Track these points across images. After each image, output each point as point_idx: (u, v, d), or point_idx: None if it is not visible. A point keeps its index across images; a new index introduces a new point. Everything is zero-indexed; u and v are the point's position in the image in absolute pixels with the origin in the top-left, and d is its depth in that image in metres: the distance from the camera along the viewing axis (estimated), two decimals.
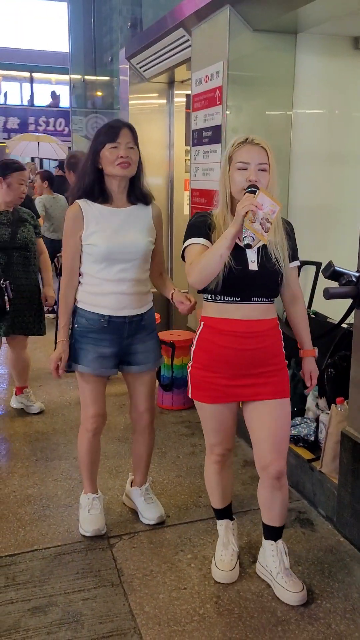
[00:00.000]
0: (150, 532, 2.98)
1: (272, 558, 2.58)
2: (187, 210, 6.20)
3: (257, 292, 2.38)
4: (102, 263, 2.70)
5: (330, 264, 2.51)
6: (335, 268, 2.57)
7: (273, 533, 2.60)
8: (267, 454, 2.46)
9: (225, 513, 2.76)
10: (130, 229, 2.72)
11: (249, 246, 2.18)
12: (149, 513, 3.03)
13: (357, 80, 4.10)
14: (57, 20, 27.60)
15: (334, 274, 2.58)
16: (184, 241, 2.45)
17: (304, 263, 4.21)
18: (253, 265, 2.35)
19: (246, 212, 2.16)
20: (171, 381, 4.50)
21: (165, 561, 2.76)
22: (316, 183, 4.22)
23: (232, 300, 2.38)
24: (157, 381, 4.32)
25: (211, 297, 2.42)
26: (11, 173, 4.01)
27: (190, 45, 4.61)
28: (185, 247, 2.44)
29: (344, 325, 3.54)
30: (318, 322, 3.92)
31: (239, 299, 2.37)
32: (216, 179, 4.22)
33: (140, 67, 5.89)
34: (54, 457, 3.77)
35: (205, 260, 2.29)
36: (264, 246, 2.33)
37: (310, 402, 3.46)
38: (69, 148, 11.56)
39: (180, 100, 6.24)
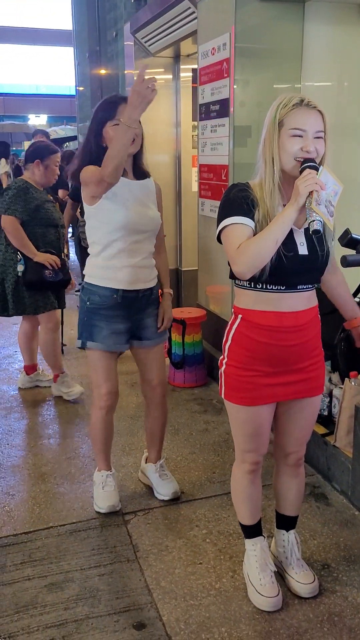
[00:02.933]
0: (165, 508, 2.98)
1: (282, 549, 2.46)
2: (195, 187, 6.15)
3: (304, 278, 2.09)
4: (119, 232, 2.67)
5: (347, 232, 2.37)
6: (352, 235, 2.47)
7: (286, 522, 2.47)
8: (292, 446, 2.36)
9: (257, 530, 2.42)
10: (144, 201, 2.73)
11: (317, 232, 1.91)
12: (164, 489, 3.03)
13: None
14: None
15: (351, 241, 2.47)
16: (221, 219, 2.08)
17: None
18: (303, 249, 2.06)
19: (310, 192, 1.90)
20: (182, 359, 4.48)
21: (181, 537, 2.77)
22: (326, 156, 4.16)
23: (277, 289, 2.08)
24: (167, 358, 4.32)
25: (250, 284, 2.11)
26: (49, 156, 4.11)
27: (196, 18, 4.53)
28: (224, 227, 2.06)
29: (356, 300, 3.51)
30: (328, 299, 3.88)
31: (284, 287, 2.07)
32: (225, 154, 4.19)
33: (146, 42, 5.81)
34: (66, 435, 3.78)
35: (257, 246, 1.96)
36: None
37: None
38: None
39: (186, 75, 6.16)
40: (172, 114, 6.27)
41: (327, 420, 3.31)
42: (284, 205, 2.03)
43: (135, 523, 2.87)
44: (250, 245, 1.98)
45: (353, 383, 3.02)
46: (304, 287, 2.12)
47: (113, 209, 2.65)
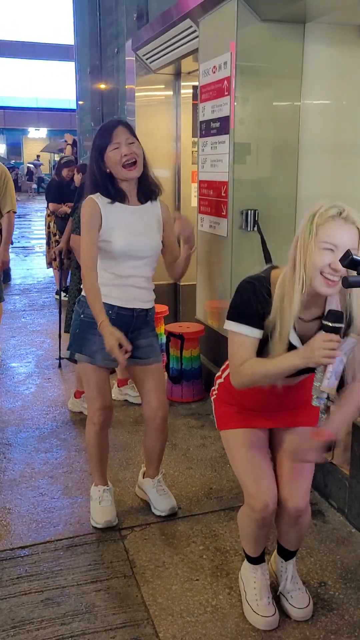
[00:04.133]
0: (162, 524, 2.98)
1: (280, 573, 2.43)
2: (194, 202, 6.18)
3: (303, 370, 2.00)
4: (116, 260, 2.71)
5: (348, 253, 2.38)
6: (354, 257, 2.49)
7: (286, 553, 2.42)
8: (289, 491, 2.21)
9: (261, 558, 2.41)
10: (144, 227, 2.75)
11: (322, 412, 1.91)
12: (161, 504, 3.03)
13: None
14: (59, 13, 27.59)
15: (352, 262, 2.49)
16: (231, 317, 2.05)
17: None
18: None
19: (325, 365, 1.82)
20: (180, 373, 4.49)
21: (178, 552, 2.76)
22: (325, 174, 4.20)
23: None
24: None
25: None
26: None
27: (197, 36, 4.58)
28: (233, 331, 2.05)
29: None
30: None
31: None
32: (224, 171, 4.23)
33: (147, 59, 5.86)
34: (63, 449, 3.77)
35: (259, 376, 1.99)
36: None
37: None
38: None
39: (187, 92, 6.21)
40: (172, 130, 6.31)
41: None
42: (300, 319, 1.97)
43: (132, 538, 2.86)
44: (253, 371, 2.00)
45: None
46: (299, 376, 2.11)
47: (109, 240, 2.68)
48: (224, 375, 2.31)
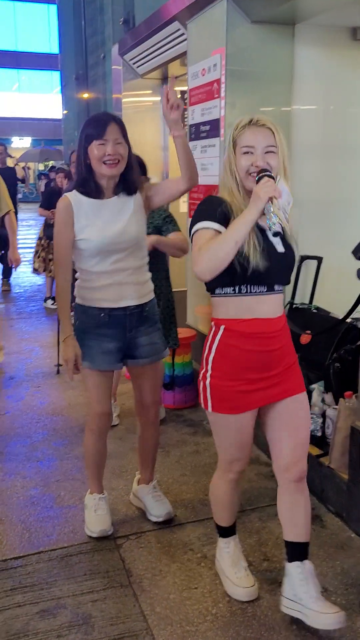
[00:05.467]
0: (158, 532, 2.92)
1: (300, 582, 2.29)
2: (184, 208, 6.15)
3: (280, 277, 2.21)
4: (96, 257, 2.64)
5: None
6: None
7: (299, 551, 2.34)
8: (289, 454, 2.29)
9: (232, 530, 2.55)
10: (119, 218, 2.65)
11: (278, 234, 2.03)
12: (157, 510, 2.97)
13: (356, 72, 4.06)
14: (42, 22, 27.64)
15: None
16: (192, 225, 2.18)
17: (305, 257, 4.18)
18: (280, 248, 2.18)
19: (270, 198, 1.98)
20: (172, 380, 4.44)
21: (174, 561, 2.70)
22: (317, 177, 4.18)
23: (257, 292, 2.16)
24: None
25: (235, 290, 2.17)
26: None
27: (185, 39, 4.56)
28: (194, 232, 2.16)
29: (348, 320, 3.50)
30: (321, 317, 3.88)
31: (265, 288, 2.17)
32: (215, 174, 4.20)
33: (134, 63, 5.85)
34: (55, 458, 3.70)
35: (217, 246, 2.04)
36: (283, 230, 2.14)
37: (315, 397, 3.41)
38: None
39: None
40: (160, 135, 6.30)
41: (321, 441, 3.28)
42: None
43: (127, 547, 2.80)
44: (210, 245, 2.07)
45: (347, 403, 3.00)
46: (279, 287, 2.23)
47: (85, 238, 2.61)
48: (213, 347, 2.24)
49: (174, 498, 3.20)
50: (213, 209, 2.15)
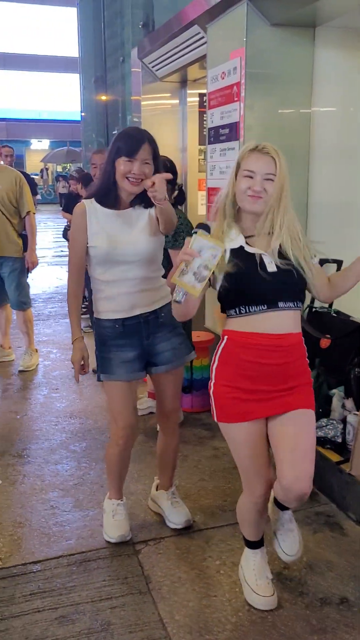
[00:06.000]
0: (177, 538, 2.91)
1: (273, 516, 2.56)
2: (202, 211, 6.14)
3: (281, 295, 2.22)
4: (104, 265, 2.66)
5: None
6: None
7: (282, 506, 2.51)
8: (289, 471, 2.20)
9: (260, 542, 2.54)
10: (131, 230, 2.65)
11: (179, 302, 2.11)
12: (176, 517, 2.96)
13: None
14: (62, 25, 27.77)
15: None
16: None
17: (324, 261, 4.14)
18: (271, 267, 2.22)
19: (180, 262, 2.08)
20: (190, 383, 4.42)
21: (193, 567, 2.69)
22: (336, 179, 4.14)
23: (259, 310, 2.21)
24: None
25: (236, 311, 2.26)
26: None
27: (204, 43, 4.54)
28: None
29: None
30: (341, 321, 3.84)
31: (265, 307, 2.21)
32: None
33: (153, 67, 5.84)
34: (73, 461, 3.70)
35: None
36: (279, 247, 2.24)
37: (335, 403, 3.38)
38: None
39: (193, 99, 6.19)
40: (178, 138, 6.29)
41: (341, 447, 3.24)
42: (245, 237, 2.27)
43: (146, 553, 2.79)
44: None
45: None
46: (285, 304, 2.23)
47: (94, 245, 2.63)
48: (217, 356, 2.33)
49: (192, 503, 3.18)
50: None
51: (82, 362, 2.72)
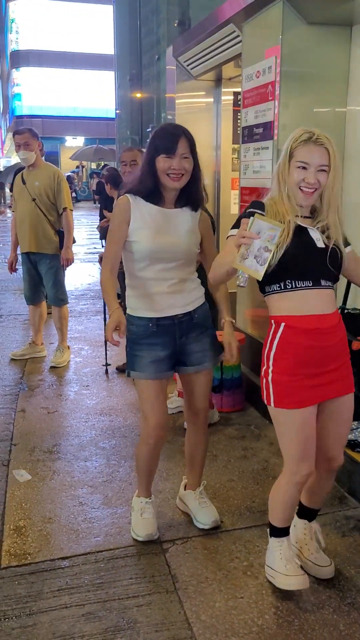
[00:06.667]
0: (204, 538, 2.91)
1: (303, 536, 2.66)
2: (234, 210, 6.12)
3: (325, 274, 2.32)
4: (144, 261, 2.65)
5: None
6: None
7: (309, 514, 2.69)
8: (333, 448, 2.49)
9: (286, 530, 2.58)
10: (175, 230, 2.66)
11: (241, 286, 2.14)
12: (204, 517, 2.96)
13: None
14: (97, 23, 27.90)
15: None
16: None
17: None
18: (320, 244, 2.30)
19: (239, 246, 2.11)
20: (220, 382, 4.42)
21: (220, 568, 2.69)
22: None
23: (304, 286, 2.29)
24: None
25: (280, 286, 2.32)
26: None
27: (240, 41, 4.53)
28: (227, 235, 2.37)
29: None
30: None
31: (310, 283, 2.29)
32: (267, 177, 4.16)
33: (188, 65, 5.83)
34: (103, 458, 3.73)
35: (218, 265, 2.37)
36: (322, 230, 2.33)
37: None
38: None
39: (227, 98, 6.16)
40: (212, 137, 6.27)
41: None
42: (297, 216, 2.32)
43: (173, 552, 2.80)
44: (217, 259, 2.41)
45: None
46: (326, 283, 2.33)
47: (137, 240, 2.63)
48: (274, 344, 2.36)
49: (220, 504, 3.18)
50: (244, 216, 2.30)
51: (118, 326, 2.49)
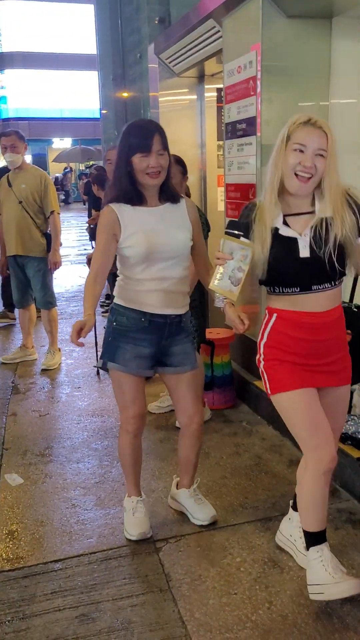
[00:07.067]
0: (197, 535, 2.90)
1: (298, 529, 2.58)
2: (221, 207, 6.11)
3: (317, 278, 2.25)
4: (143, 264, 2.63)
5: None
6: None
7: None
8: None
9: (323, 536, 2.39)
10: (168, 227, 2.65)
11: (218, 306, 2.18)
12: (201, 514, 2.96)
13: None
14: (80, 22, 27.81)
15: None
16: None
17: None
18: (304, 252, 2.22)
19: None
20: (211, 380, 4.41)
21: (214, 565, 2.68)
22: (354, 175, 4.09)
23: (291, 292, 2.26)
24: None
25: (271, 290, 2.32)
26: None
27: (220, 37, 4.52)
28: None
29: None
30: None
31: (298, 289, 2.25)
32: (252, 173, 4.15)
33: (170, 62, 5.82)
34: (95, 460, 3.72)
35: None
36: (317, 227, 2.21)
37: (356, 399, 3.34)
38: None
39: (210, 94, 6.15)
40: (197, 134, 6.26)
41: None
42: (285, 215, 2.25)
43: (167, 551, 2.79)
44: None
45: None
46: (320, 287, 2.26)
47: (131, 245, 2.60)
48: (265, 333, 2.37)
49: (213, 500, 3.17)
50: (240, 220, 2.32)
51: (80, 328, 2.48)
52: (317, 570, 2.32)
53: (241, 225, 2.30)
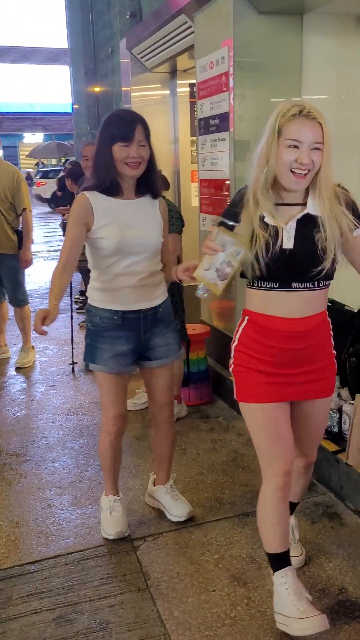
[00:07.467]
0: (175, 533, 2.90)
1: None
2: (195, 202, 6.11)
3: (298, 275, 2.08)
4: (114, 257, 2.61)
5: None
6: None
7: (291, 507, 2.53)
8: (302, 449, 2.40)
9: (287, 558, 2.26)
10: (141, 222, 2.63)
11: (200, 296, 2.09)
12: (178, 510, 2.95)
13: None
14: (52, 17, 27.56)
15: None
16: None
17: None
18: (288, 244, 2.05)
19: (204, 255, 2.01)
20: (187, 376, 4.41)
21: (192, 562, 2.68)
22: (327, 166, 4.11)
23: (269, 287, 2.10)
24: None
25: (250, 282, 2.16)
26: None
27: (192, 32, 4.50)
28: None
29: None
30: (336, 311, 3.81)
31: (277, 285, 2.09)
32: (225, 169, 4.15)
33: (142, 57, 5.79)
34: (71, 458, 3.69)
35: None
36: (305, 222, 2.06)
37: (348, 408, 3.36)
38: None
39: (183, 90, 6.14)
40: (169, 129, 6.25)
41: (337, 437, 3.23)
42: (276, 204, 2.09)
43: (145, 549, 2.78)
44: None
45: None
46: (301, 285, 2.09)
47: (104, 237, 2.57)
48: (237, 336, 2.25)
49: (191, 497, 3.17)
50: (234, 205, 2.15)
51: (44, 317, 2.43)
52: (282, 598, 2.21)
53: (237, 207, 2.13)
